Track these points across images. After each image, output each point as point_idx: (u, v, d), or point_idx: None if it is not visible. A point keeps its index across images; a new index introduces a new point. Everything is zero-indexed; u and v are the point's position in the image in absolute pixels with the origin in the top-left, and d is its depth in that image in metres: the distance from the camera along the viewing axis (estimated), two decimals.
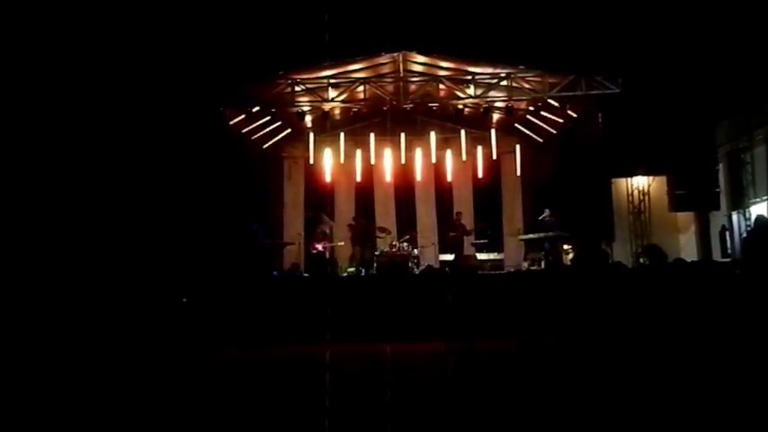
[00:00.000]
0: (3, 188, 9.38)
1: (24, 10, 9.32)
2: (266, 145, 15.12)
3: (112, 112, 10.65)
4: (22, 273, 8.95)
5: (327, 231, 13.95)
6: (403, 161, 14.85)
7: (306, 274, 12.93)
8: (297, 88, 12.68)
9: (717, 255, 13.18)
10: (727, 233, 13.16)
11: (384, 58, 12.71)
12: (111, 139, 10.63)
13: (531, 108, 13.52)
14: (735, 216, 12.98)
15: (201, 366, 8.05)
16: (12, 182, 9.50)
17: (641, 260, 12.98)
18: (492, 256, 13.88)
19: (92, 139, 10.44)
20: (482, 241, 13.96)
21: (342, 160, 14.85)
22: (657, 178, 13.96)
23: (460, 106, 13.11)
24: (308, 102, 13.23)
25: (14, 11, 9.19)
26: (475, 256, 13.09)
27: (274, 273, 13.34)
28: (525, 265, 13.86)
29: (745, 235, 12.28)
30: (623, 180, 14.40)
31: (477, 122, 14.43)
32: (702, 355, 6.41)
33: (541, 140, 15.16)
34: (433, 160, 14.92)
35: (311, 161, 14.79)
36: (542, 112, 13.56)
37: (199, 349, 8.74)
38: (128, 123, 10.87)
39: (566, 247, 12.85)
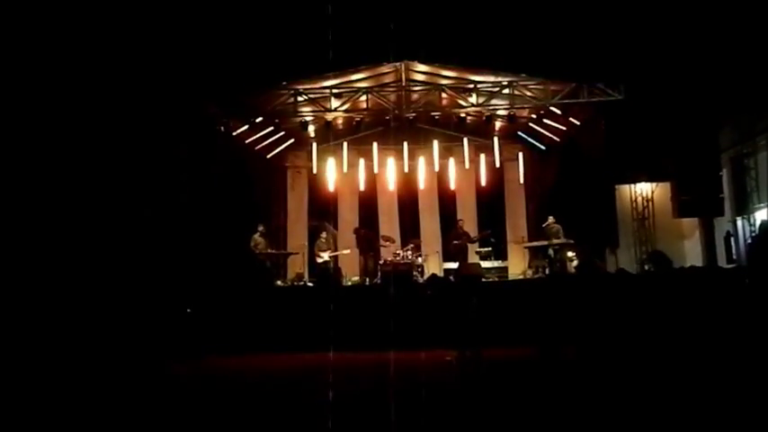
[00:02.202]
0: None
1: (32, 13, 9.41)
2: (269, 155, 15.19)
3: (114, 123, 10.71)
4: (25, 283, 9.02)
5: (332, 240, 13.98)
6: (406, 170, 14.92)
7: (310, 284, 12.97)
8: (299, 98, 12.80)
9: (722, 261, 13.14)
10: (732, 239, 13.12)
11: (386, 68, 12.82)
12: (111, 151, 10.68)
13: (534, 116, 13.59)
14: (739, 222, 12.95)
15: (207, 374, 8.10)
16: (13, 189, 9.56)
17: (646, 267, 12.94)
18: (496, 263, 13.86)
19: (95, 152, 10.50)
20: (486, 249, 13.95)
21: (345, 170, 14.91)
22: (661, 184, 13.93)
23: (463, 115, 13.19)
24: (311, 112, 13.34)
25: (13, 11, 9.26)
26: (479, 264, 13.07)
27: (278, 282, 13.39)
28: (529, 272, 13.84)
29: (749, 240, 12.24)
30: (627, 187, 14.38)
31: (480, 131, 14.51)
32: (707, 362, 6.39)
33: (544, 148, 15.22)
34: (436, 169, 14.99)
35: (314, 171, 14.88)
36: (545, 120, 13.63)
37: (201, 357, 8.79)
38: (129, 134, 10.92)
39: (570, 254, 12.82)
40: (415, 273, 12.78)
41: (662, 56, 11.35)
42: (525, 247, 14.45)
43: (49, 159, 9.94)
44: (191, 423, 5.29)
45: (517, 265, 14.65)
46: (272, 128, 13.82)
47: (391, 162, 15.18)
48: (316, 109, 13.18)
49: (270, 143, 14.74)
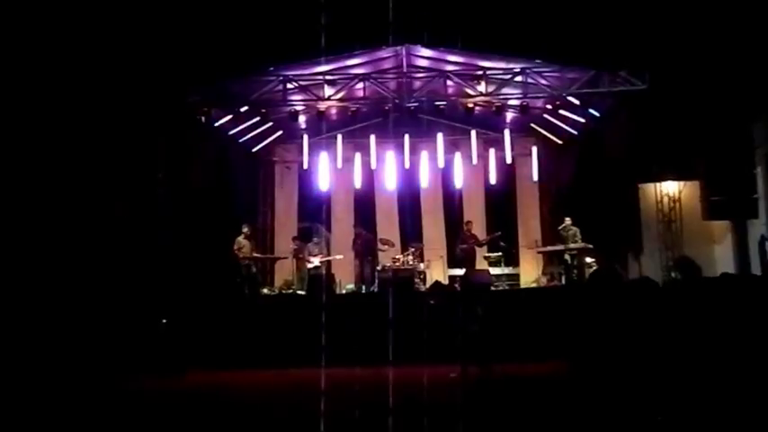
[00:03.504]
0: None
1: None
2: (255, 148, 15.16)
3: (81, 113, 10.65)
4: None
5: (325, 244, 13.95)
6: (407, 166, 14.89)
7: (300, 292, 12.93)
8: (289, 86, 12.74)
9: (756, 268, 13.11)
10: (767, 244, 13.10)
11: (386, 52, 12.79)
12: (78, 144, 10.61)
13: (549, 106, 13.58)
14: None
15: (185, 390, 8.08)
16: None
17: (672, 274, 12.92)
18: (507, 270, 13.87)
19: (60, 144, 10.44)
20: (496, 254, 13.92)
21: (339, 165, 14.93)
22: (689, 183, 13.92)
23: (470, 105, 13.16)
24: (302, 101, 13.33)
25: None
26: (488, 271, 13.04)
27: (264, 290, 13.37)
28: (543, 280, 13.81)
29: None
30: (651, 185, 14.36)
31: (489, 122, 14.53)
32: (740, 381, 6.34)
33: (561, 142, 15.24)
34: (441, 165, 15.00)
35: (305, 166, 14.86)
36: (561, 111, 13.60)
37: (180, 373, 8.77)
38: (99, 125, 10.85)
39: (588, 260, 12.81)
40: (416, 280, 12.76)
41: (690, 41, 11.32)
42: (539, 252, 14.47)
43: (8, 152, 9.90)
44: None
45: (530, 272, 14.69)
46: (258, 118, 13.78)
47: (390, 157, 15.16)
48: (307, 98, 13.16)
49: (256, 135, 14.73)
